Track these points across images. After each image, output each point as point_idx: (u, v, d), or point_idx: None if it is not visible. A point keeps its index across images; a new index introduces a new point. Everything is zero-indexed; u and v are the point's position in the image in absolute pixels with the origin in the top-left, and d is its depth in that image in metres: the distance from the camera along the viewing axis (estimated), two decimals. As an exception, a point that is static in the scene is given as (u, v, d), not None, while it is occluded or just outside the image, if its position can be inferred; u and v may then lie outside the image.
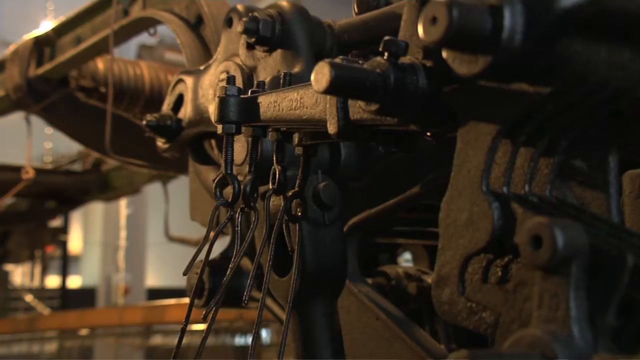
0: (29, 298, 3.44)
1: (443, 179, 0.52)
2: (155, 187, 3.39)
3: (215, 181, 0.68)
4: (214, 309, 0.76)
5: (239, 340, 2.34)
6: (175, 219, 3.08)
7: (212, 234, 0.73)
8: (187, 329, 0.80)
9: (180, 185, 2.06)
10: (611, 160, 0.46)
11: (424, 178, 0.83)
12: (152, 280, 8.63)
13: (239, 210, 0.69)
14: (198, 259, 0.79)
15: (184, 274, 0.73)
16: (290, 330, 0.78)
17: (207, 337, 0.80)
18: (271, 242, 0.72)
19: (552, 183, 0.45)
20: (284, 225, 0.72)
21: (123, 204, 6.85)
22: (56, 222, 4.08)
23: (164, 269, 8.59)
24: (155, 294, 6.65)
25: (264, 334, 2.63)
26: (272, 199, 0.73)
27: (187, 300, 1.56)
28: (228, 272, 0.72)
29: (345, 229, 0.89)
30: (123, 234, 7.18)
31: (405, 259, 1.42)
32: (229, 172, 0.67)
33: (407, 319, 0.84)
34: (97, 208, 7.28)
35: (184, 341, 0.79)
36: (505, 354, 0.36)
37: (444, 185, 0.50)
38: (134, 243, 7.49)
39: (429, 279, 1.16)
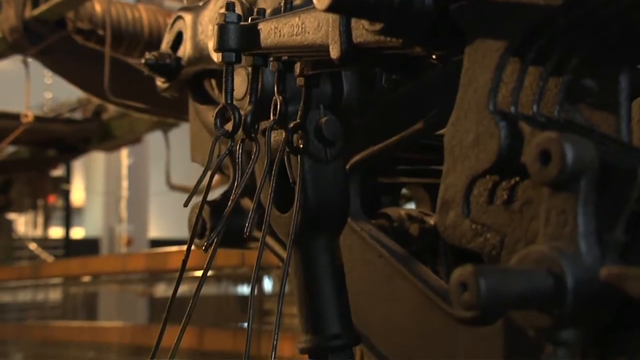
0: (32, 246, 3.47)
1: (448, 115, 0.51)
2: (157, 137, 3.38)
3: (216, 112, 0.66)
4: (215, 241, 0.75)
5: (242, 290, 2.36)
6: (177, 168, 3.08)
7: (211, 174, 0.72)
8: (190, 275, 0.80)
9: (181, 134, 2.05)
10: (622, 80, 0.44)
11: (428, 114, 0.82)
12: (155, 231, 8.69)
13: (239, 142, 0.68)
14: (198, 201, 0.79)
15: (185, 206, 0.73)
16: (291, 267, 0.78)
17: (206, 273, 0.80)
18: (272, 176, 0.71)
19: (561, 104, 0.44)
20: (285, 158, 0.71)
21: (124, 153, 6.84)
22: (58, 172, 4.08)
23: (166, 220, 8.63)
24: (158, 245, 6.71)
25: (266, 282, 2.64)
26: (273, 134, 0.72)
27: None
28: (229, 204, 0.72)
29: (347, 167, 0.88)
30: (125, 184, 7.19)
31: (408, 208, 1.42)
32: (229, 101, 0.65)
33: (410, 256, 0.84)
34: (98, 158, 7.28)
35: (186, 289, 0.79)
36: (510, 269, 0.36)
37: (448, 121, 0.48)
38: (136, 193, 7.51)
39: (431, 221, 1.15)
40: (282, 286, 0.71)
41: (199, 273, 0.87)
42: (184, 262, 0.81)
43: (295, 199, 0.74)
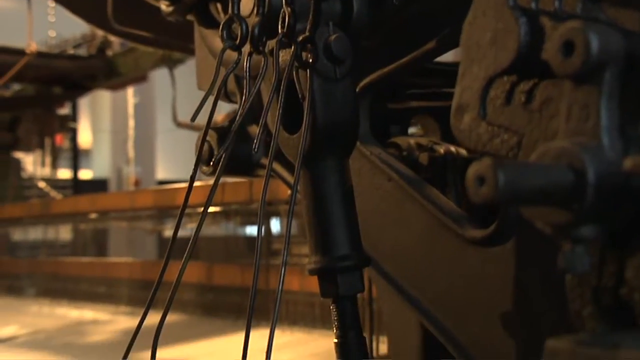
0: (41, 184, 3.49)
1: (459, 34, 0.49)
2: (162, 76, 3.35)
3: (222, 23, 0.64)
4: (221, 163, 0.74)
5: (251, 230, 2.36)
6: (183, 107, 3.06)
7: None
8: (197, 211, 0.79)
9: (187, 71, 2.02)
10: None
11: (441, 33, 0.79)
12: (162, 173, 8.73)
13: (247, 56, 0.66)
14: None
15: (192, 120, 0.71)
16: (300, 189, 0.76)
17: (212, 195, 0.79)
18: (280, 93, 0.69)
19: (583, 2, 0.42)
20: (294, 74, 0.69)
21: (130, 93, 6.81)
22: (64, 110, 4.06)
23: (173, 161, 8.66)
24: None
25: (275, 223, 2.65)
26: (281, 53, 0.70)
27: (197, 183, 1.55)
28: (236, 122, 0.70)
29: (357, 90, 0.86)
30: (131, 123, 7.17)
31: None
32: (236, 12, 0.63)
33: (420, 179, 0.83)
34: (104, 98, 7.25)
35: (194, 226, 0.78)
36: (530, 164, 0.34)
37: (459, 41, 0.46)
38: (143, 133, 7.50)
39: (440, 149, 1.14)
40: (290, 210, 0.71)
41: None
42: (190, 185, 0.80)
43: (304, 118, 0.72)
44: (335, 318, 0.72)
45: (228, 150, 0.68)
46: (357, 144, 0.84)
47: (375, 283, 0.91)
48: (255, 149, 0.67)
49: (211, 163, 1.02)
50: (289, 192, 1.26)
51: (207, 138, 0.95)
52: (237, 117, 0.69)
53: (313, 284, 2.03)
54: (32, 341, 2.04)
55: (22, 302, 2.77)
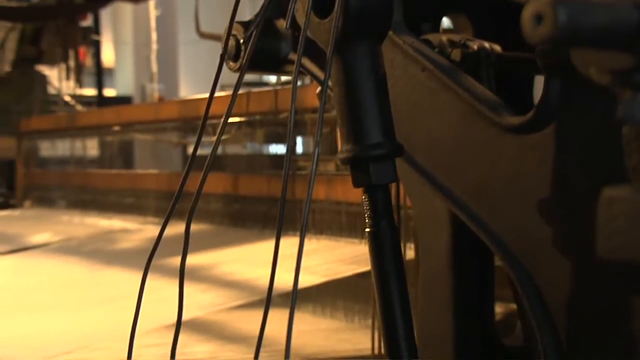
0: (67, 98, 3.50)
1: None
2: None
3: None
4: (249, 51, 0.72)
5: (275, 149, 2.35)
6: (206, 15, 3.00)
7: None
8: (219, 122, 0.77)
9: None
10: None
11: None
12: (185, 90, 8.71)
13: None
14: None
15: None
16: (332, 77, 0.74)
17: (236, 92, 0.77)
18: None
19: None
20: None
21: (152, 4, 6.70)
22: (87, 23, 4.02)
23: (196, 79, 8.62)
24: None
25: (299, 142, 2.63)
26: None
27: (222, 93, 1.53)
28: (262, 9, 0.67)
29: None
30: (154, 36, 7.10)
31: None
32: None
33: (454, 67, 0.80)
34: (126, 10, 7.16)
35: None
36: (593, 1, 0.32)
37: None
38: (165, 46, 7.43)
39: (474, 45, 1.11)
40: (321, 105, 0.68)
41: (230, 120, 0.85)
42: (216, 80, 0.78)
43: (337, 1, 0.69)
44: (367, 208, 0.71)
45: (254, 43, 0.66)
46: (390, 33, 0.81)
47: (403, 180, 0.89)
48: (287, 27, 0.64)
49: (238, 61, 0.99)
50: (318, 91, 1.24)
51: (233, 32, 0.92)
52: (264, 6, 0.66)
53: (339, 193, 2.03)
54: (65, 247, 2.10)
55: (53, 212, 2.83)
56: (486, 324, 0.99)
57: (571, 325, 0.66)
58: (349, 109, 0.71)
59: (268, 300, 0.66)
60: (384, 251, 0.70)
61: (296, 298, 0.67)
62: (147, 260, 0.81)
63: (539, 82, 0.74)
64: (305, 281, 1.38)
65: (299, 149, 2.68)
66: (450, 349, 0.93)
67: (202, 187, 0.77)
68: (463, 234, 0.90)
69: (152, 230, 2.25)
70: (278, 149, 2.43)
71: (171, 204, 0.78)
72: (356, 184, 0.71)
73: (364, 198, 0.71)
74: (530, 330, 0.91)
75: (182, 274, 0.79)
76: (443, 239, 0.92)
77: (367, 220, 0.72)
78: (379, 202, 0.70)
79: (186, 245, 0.79)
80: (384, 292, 0.70)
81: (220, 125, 0.80)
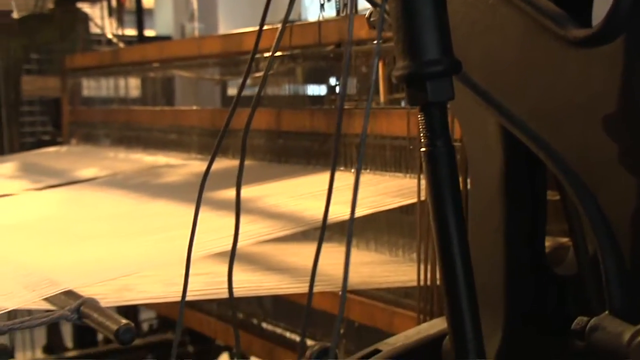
0: (110, 35, 3.50)
1: None
2: None
3: None
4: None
5: (314, 89, 2.32)
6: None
7: None
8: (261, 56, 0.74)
9: None
10: None
11: None
12: (225, 30, 8.65)
13: None
14: None
15: None
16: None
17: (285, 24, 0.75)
18: None
19: None
20: None
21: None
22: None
23: (235, 18, 8.54)
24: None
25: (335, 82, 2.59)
26: None
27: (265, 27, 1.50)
28: None
29: None
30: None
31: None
32: None
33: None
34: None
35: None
36: None
37: None
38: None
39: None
40: (379, 31, 0.66)
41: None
42: (264, 16, 0.76)
43: None
44: (423, 126, 0.70)
45: None
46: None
47: (453, 105, 0.87)
48: None
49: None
50: (367, 15, 1.20)
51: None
52: None
53: (383, 127, 2.00)
54: (112, 181, 2.13)
55: (98, 149, 2.87)
56: (538, 254, 0.98)
57: (635, 246, 0.64)
58: (405, 24, 0.68)
59: (322, 231, 0.65)
60: (440, 171, 0.69)
61: (351, 233, 0.66)
62: (198, 193, 0.81)
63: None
64: (347, 212, 1.38)
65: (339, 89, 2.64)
66: (502, 278, 0.92)
67: (250, 122, 0.77)
68: (516, 161, 0.88)
69: (196, 166, 2.27)
70: (318, 89, 2.39)
71: (218, 138, 0.78)
72: (412, 102, 0.69)
73: (420, 117, 0.70)
74: (584, 259, 0.89)
75: (238, 209, 0.79)
76: (495, 167, 0.90)
77: (422, 140, 0.70)
78: (435, 120, 0.69)
79: (240, 178, 0.78)
80: (440, 213, 0.69)
81: (269, 59, 0.78)
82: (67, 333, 3.20)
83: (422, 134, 0.68)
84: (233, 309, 1.44)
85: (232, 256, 0.74)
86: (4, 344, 0.85)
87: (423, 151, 0.69)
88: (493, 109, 0.75)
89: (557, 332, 0.96)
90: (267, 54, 1.95)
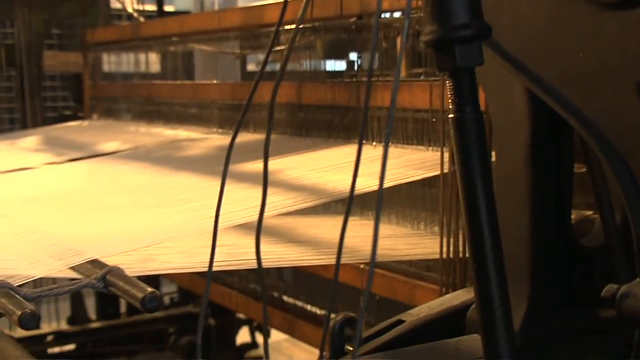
0: (130, 9, 3.50)
1: None
2: None
3: None
4: None
5: (333, 65, 2.30)
6: None
7: None
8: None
9: None
10: None
11: None
12: (243, 1, 8.61)
13: None
14: None
15: None
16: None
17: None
18: None
19: None
20: None
21: None
22: None
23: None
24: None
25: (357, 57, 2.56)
26: None
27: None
28: None
29: None
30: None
31: None
32: None
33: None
34: None
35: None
36: None
37: None
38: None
39: None
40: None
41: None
42: None
43: None
44: (451, 93, 0.69)
45: None
46: None
47: (479, 72, 0.86)
48: None
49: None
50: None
51: None
52: None
53: (405, 100, 1.98)
54: (134, 154, 2.14)
55: (120, 123, 2.89)
56: (564, 225, 0.97)
57: (668, 213, 0.63)
58: (434, -13, 0.67)
59: (349, 203, 0.65)
60: (468, 138, 0.68)
61: (381, 206, 0.66)
62: (224, 165, 0.81)
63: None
64: (371, 184, 1.37)
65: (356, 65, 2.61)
66: (527, 248, 0.92)
67: (275, 95, 0.76)
68: (543, 131, 0.87)
69: (217, 139, 2.27)
70: (338, 65, 2.37)
71: (242, 110, 0.77)
72: (440, 68, 0.68)
73: (448, 83, 0.69)
74: (612, 229, 0.88)
75: (265, 179, 0.79)
76: (522, 136, 0.89)
77: (450, 106, 0.69)
78: (464, 86, 0.68)
79: (267, 149, 0.78)
80: (468, 181, 0.68)
81: (294, 31, 0.77)
82: (90, 306, 3.25)
83: (450, 100, 0.67)
84: (262, 280, 1.45)
85: (259, 227, 0.74)
86: (34, 309, 0.86)
87: (451, 118, 0.68)
88: (523, 75, 0.74)
89: (582, 302, 0.95)
90: (288, 27, 1.93)
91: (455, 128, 0.67)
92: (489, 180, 0.68)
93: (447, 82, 0.68)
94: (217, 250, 0.94)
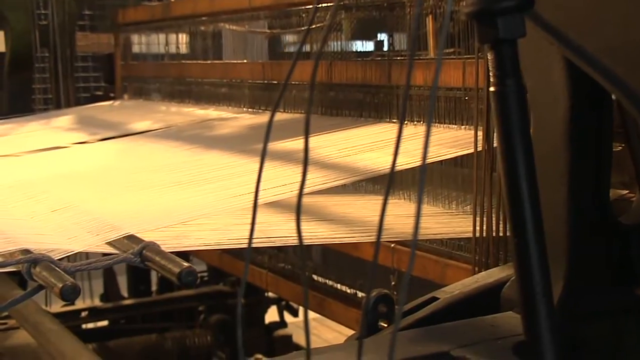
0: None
1: None
2: None
3: None
4: None
5: (360, 45, 2.27)
6: None
7: None
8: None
9: None
10: None
11: None
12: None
13: None
14: None
15: None
16: None
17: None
18: None
19: None
20: None
21: None
22: None
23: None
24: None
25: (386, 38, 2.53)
26: None
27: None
28: None
29: None
30: None
31: None
32: None
33: None
34: None
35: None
36: None
37: None
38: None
39: None
40: None
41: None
42: None
43: None
44: (493, 65, 0.68)
45: None
46: None
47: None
48: None
49: None
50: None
51: None
52: None
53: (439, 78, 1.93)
54: (165, 133, 2.16)
55: (151, 103, 2.91)
56: (602, 202, 0.95)
57: None
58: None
59: (390, 182, 0.64)
60: (510, 111, 0.67)
61: (423, 185, 0.65)
62: (263, 143, 0.81)
63: None
64: (403, 162, 1.37)
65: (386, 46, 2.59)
66: (565, 226, 0.91)
67: (315, 74, 0.76)
68: (582, 106, 0.86)
69: (248, 119, 2.28)
70: (366, 46, 2.34)
71: (280, 91, 0.77)
72: (482, 40, 0.67)
73: (490, 55, 0.68)
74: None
75: (306, 156, 0.78)
76: (560, 112, 0.87)
77: (492, 80, 0.68)
78: (506, 58, 0.67)
79: (307, 126, 0.78)
80: (509, 155, 0.68)
81: (332, 9, 0.76)
82: (122, 283, 3.30)
83: (491, 73, 0.67)
84: (302, 257, 1.45)
85: (299, 204, 0.74)
86: (74, 282, 0.88)
87: (492, 91, 0.67)
88: (565, 48, 0.72)
89: (620, 281, 0.94)
90: (319, 5, 1.92)
91: (497, 101, 0.67)
92: (530, 154, 0.68)
93: (489, 54, 0.67)
94: (248, 228, 0.95)
